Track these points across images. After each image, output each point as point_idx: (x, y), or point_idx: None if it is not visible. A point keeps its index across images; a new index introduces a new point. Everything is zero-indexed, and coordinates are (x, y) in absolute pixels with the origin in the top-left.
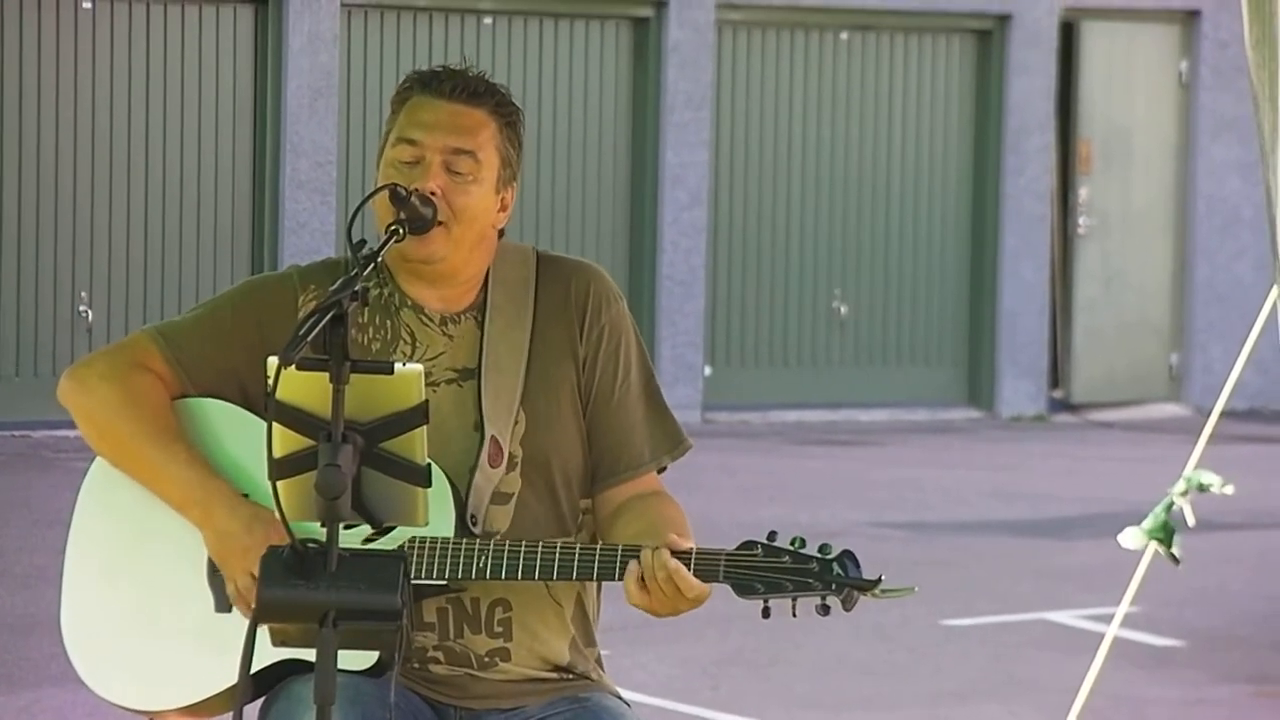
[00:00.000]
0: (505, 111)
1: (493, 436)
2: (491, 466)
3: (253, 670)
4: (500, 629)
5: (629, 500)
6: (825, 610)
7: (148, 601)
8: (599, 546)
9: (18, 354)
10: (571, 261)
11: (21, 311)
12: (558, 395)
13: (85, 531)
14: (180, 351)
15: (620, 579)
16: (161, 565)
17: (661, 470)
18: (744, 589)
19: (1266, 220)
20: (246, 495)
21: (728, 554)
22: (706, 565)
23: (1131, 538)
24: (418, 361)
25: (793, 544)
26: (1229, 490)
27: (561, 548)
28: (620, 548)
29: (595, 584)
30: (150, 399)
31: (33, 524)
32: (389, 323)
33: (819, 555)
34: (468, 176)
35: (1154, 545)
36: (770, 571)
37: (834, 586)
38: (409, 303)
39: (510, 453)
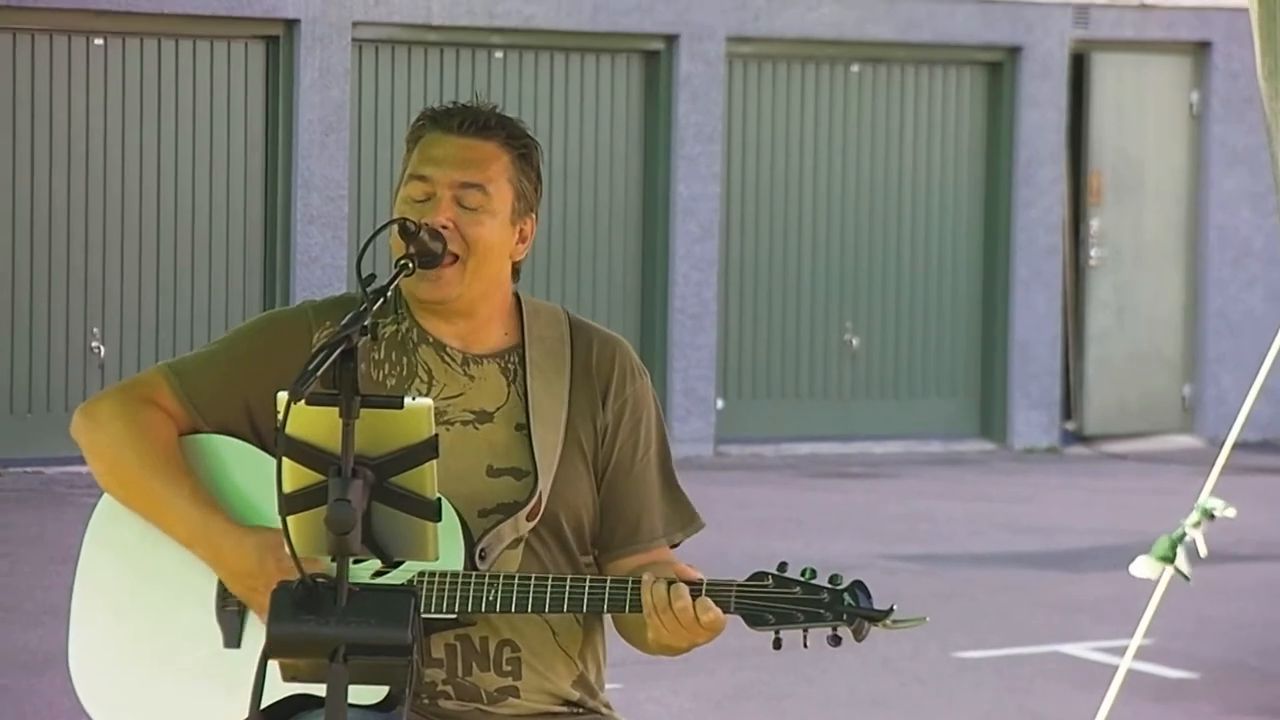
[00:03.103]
0: (518, 144)
1: (541, 492)
2: (528, 520)
3: (263, 706)
4: (509, 668)
5: (639, 567)
6: (837, 641)
7: (156, 638)
8: (609, 579)
9: (30, 391)
10: (600, 330)
11: (34, 348)
12: (577, 456)
13: (92, 569)
14: (191, 388)
15: (630, 610)
16: (169, 602)
17: (674, 546)
18: (755, 620)
19: None
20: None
21: (739, 585)
22: (718, 596)
23: (1141, 566)
24: (434, 399)
25: (803, 575)
26: (1231, 514)
27: (571, 581)
28: (630, 580)
29: (602, 633)
30: (159, 436)
31: (46, 560)
32: (405, 359)
33: (830, 586)
34: (479, 210)
35: (1167, 574)
36: (781, 602)
37: (845, 617)
38: (430, 339)
39: None
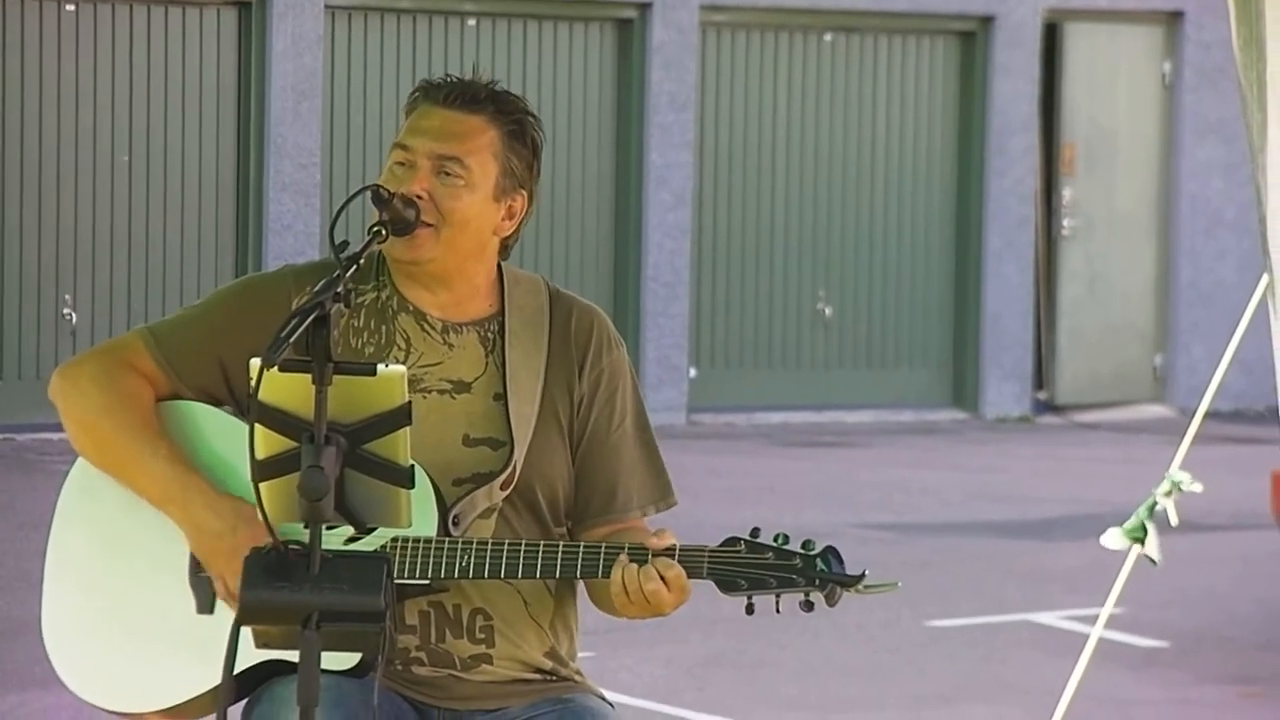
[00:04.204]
0: (508, 120)
1: (516, 463)
2: (502, 489)
3: (235, 672)
4: (483, 636)
5: (611, 536)
6: (809, 606)
7: (129, 604)
8: (581, 544)
9: (2, 357)
10: (579, 301)
11: (6, 314)
12: (553, 426)
13: (65, 536)
14: (170, 352)
15: (603, 576)
16: (142, 568)
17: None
18: (728, 585)
19: (1257, 219)
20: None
21: (711, 551)
22: (690, 562)
23: (1113, 538)
24: (411, 367)
25: (776, 540)
26: (1197, 488)
27: (544, 546)
28: (604, 546)
29: (574, 604)
30: (137, 401)
31: (17, 527)
32: (384, 327)
33: (802, 551)
34: (458, 181)
35: (1138, 546)
36: (754, 567)
37: (817, 582)
38: (410, 307)
39: None
